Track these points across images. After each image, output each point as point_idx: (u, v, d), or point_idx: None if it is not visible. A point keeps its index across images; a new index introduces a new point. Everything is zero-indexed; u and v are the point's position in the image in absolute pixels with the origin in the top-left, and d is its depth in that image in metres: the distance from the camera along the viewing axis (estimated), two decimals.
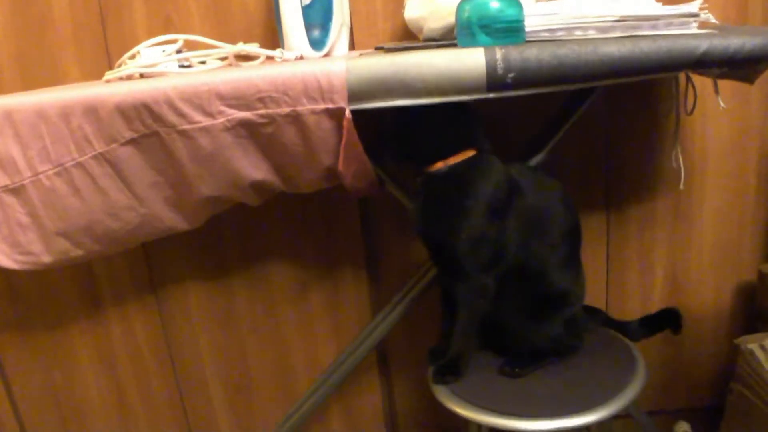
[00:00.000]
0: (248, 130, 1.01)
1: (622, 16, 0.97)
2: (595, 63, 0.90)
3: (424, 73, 0.94)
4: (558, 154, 1.25)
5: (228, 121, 0.99)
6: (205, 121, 0.99)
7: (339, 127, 0.99)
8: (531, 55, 0.90)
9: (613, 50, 0.89)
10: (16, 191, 1.06)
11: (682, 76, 1.27)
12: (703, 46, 0.89)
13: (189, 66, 1.18)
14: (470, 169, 1.08)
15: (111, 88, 1.02)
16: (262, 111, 0.99)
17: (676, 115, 1.30)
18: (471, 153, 1.08)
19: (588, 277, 1.41)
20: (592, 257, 1.48)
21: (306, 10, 1.18)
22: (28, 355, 1.70)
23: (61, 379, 1.71)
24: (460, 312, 1.12)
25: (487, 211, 1.06)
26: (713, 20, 0.98)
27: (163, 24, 1.39)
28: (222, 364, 1.63)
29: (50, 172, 1.04)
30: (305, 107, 0.98)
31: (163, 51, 1.17)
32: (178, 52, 1.19)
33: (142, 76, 1.16)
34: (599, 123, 1.40)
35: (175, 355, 1.64)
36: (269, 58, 1.19)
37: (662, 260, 1.49)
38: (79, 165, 1.04)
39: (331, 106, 0.97)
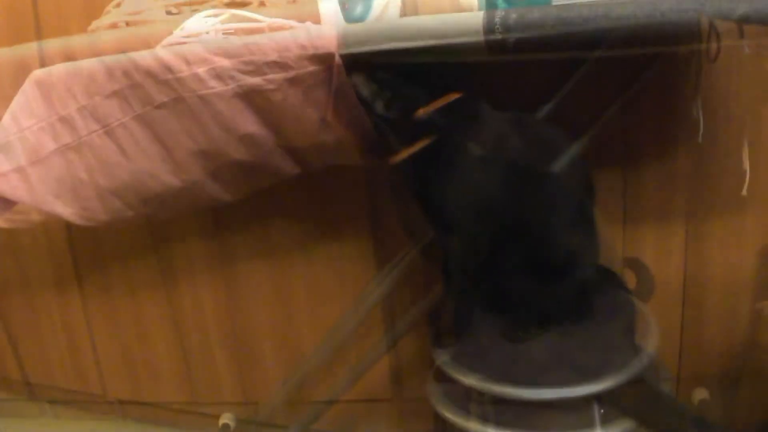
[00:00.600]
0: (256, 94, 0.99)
1: None
2: (608, 28, 0.79)
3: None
4: (571, 106, 1.17)
5: (239, 86, 0.98)
6: (219, 87, 0.99)
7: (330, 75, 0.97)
8: (533, 18, 0.82)
9: (628, 13, 0.78)
10: (76, 148, 1.11)
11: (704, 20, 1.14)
12: (739, 9, 0.77)
13: (177, 13, 1.16)
14: (449, 114, 1.02)
15: (144, 52, 1.04)
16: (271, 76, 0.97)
17: (697, 62, 1.18)
18: (452, 97, 1.01)
19: (661, 298, 1.33)
20: (607, 216, 1.38)
21: None
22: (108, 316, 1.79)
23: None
24: (451, 269, 1.10)
25: (467, 160, 1.02)
26: None
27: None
28: (225, 322, 1.65)
29: (101, 131, 1.09)
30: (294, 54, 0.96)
31: (206, 22, 1.15)
32: None
33: (128, 24, 1.15)
34: (614, 70, 1.27)
35: (177, 314, 1.67)
36: None
37: (681, 220, 1.38)
38: (123, 125, 1.07)
39: (319, 51, 0.94)
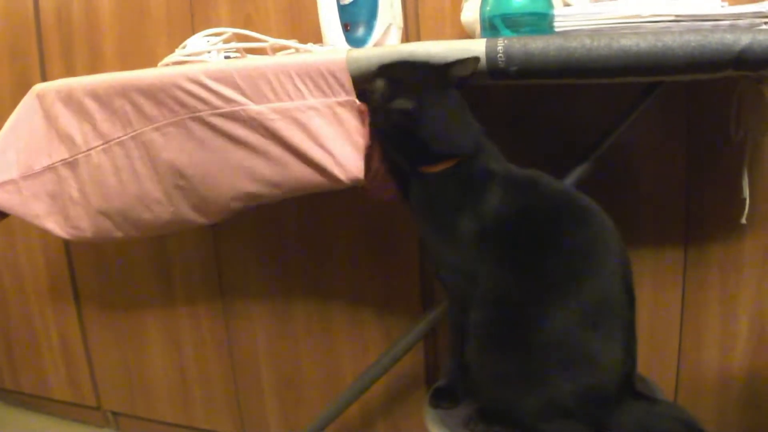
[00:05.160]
0: (259, 125, 0.96)
1: (677, 16, 0.85)
2: (609, 58, 0.78)
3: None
4: (630, 173, 1.15)
5: (243, 110, 0.96)
6: (226, 107, 0.97)
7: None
8: (535, 48, 0.80)
9: (631, 44, 0.77)
10: (72, 165, 1.12)
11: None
12: (742, 41, 0.74)
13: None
14: (447, 181, 0.92)
15: (147, 71, 1.05)
16: (276, 105, 0.95)
17: (744, 134, 1.10)
18: (451, 163, 0.91)
19: (658, 325, 1.27)
20: (664, 301, 1.28)
21: (349, 7, 1.15)
22: (107, 330, 1.84)
23: (134, 355, 1.83)
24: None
25: (460, 231, 0.89)
26: None
27: (244, 21, 1.47)
28: (276, 360, 1.66)
29: (99, 148, 1.09)
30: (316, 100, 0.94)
31: (208, 41, 1.21)
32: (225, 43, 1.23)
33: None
34: (679, 137, 1.20)
35: (233, 346, 1.70)
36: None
37: (748, 308, 1.24)
38: (121, 143, 1.08)
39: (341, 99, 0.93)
